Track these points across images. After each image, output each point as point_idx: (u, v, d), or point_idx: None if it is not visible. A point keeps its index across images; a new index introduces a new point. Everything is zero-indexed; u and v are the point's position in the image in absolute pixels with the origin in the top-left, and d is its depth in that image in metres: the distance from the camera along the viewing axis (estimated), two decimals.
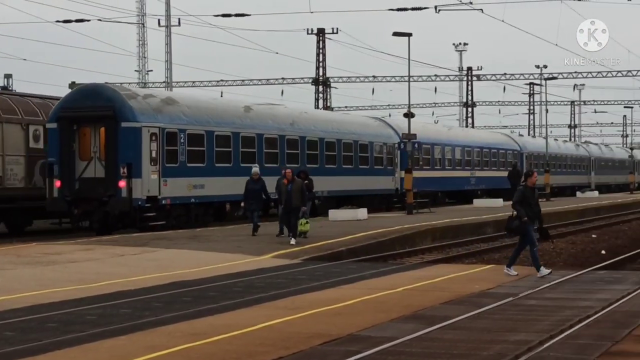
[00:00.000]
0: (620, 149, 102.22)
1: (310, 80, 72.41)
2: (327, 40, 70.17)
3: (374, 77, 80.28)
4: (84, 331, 11.42)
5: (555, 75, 74.76)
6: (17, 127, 30.92)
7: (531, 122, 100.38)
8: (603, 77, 75.17)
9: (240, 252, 22.09)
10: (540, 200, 19.29)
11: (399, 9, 54.71)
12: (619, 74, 72.95)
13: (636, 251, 26.75)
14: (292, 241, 23.99)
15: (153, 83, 76.35)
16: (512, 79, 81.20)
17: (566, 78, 77.67)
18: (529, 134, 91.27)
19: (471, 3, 50.12)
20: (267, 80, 79.86)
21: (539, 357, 10.06)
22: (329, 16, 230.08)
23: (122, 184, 28.74)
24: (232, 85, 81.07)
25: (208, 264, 19.83)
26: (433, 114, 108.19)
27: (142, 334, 11.33)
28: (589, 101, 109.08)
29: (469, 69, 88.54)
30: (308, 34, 70.02)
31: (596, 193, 69.40)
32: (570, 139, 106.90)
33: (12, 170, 30.64)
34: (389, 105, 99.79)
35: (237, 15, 59.04)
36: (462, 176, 54.28)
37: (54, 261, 19.82)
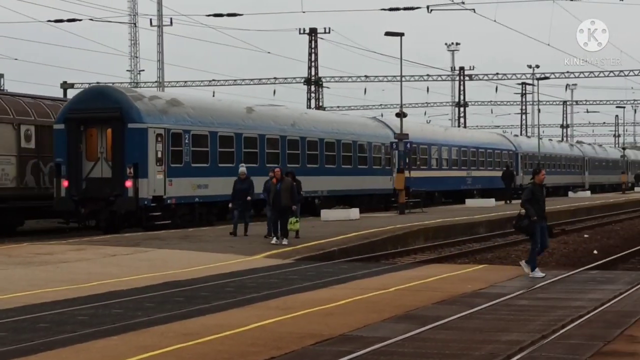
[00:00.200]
0: (614, 149, 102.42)
1: (303, 80, 72.44)
2: (319, 40, 70.33)
3: (366, 76, 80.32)
4: (76, 331, 11.40)
5: (547, 75, 74.93)
6: (8, 127, 30.90)
7: (523, 122, 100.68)
8: (595, 77, 75.34)
9: (232, 252, 22.08)
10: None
11: (391, 9, 54.81)
12: (611, 74, 73.03)
13: (628, 251, 26.81)
14: (284, 241, 23.98)
15: (145, 83, 76.19)
16: (504, 79, 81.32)
17: (558, 78, 77.82)
18: (521, 134, 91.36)
19: (463, 3, 50.26)
20: (260, 80, 79.88)
21: (531, 357, 10.07)
22: (321, 16, 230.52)
23: (129, 183, 29.19)
24: (224, 85, 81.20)
25: (200, 264, 19.81)
26: (425, 113, 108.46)
27: (135, 334, 11.32)
28: (581, 101, 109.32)
29: (461, 68, 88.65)
30: (300, 33, 70.13)
31: (588, 193, 69.55)
32: (562, 139, 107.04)
33: (4, 170, 30.64)
34: (381, 105, 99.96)
35: (229, 15, 59.10)
36: (459, 176, 54.39)
37: (45, 261, 19.79)
